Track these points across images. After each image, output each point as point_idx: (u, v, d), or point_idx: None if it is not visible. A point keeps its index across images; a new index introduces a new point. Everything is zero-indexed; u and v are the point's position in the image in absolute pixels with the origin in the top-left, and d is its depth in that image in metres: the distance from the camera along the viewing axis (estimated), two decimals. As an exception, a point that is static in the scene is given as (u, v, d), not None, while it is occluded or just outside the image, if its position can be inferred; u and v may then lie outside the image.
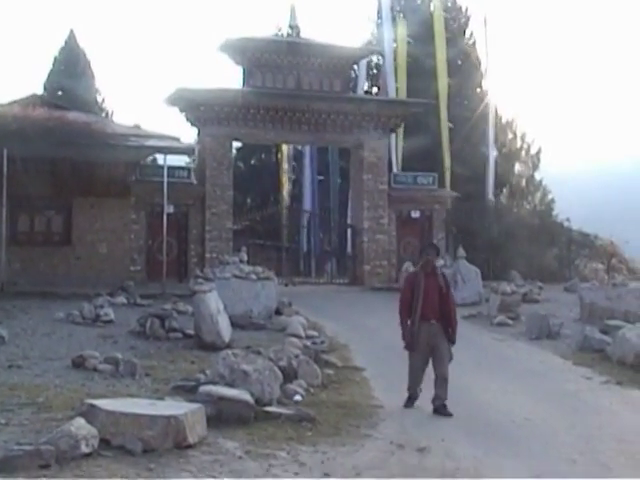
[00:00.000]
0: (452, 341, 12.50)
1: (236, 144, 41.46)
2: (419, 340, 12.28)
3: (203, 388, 10.87)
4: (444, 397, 12.11)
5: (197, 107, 32.00)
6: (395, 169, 37.15)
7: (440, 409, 12.01)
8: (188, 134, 39.82)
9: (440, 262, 29.19)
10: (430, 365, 12.52)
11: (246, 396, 10.63)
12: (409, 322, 12.38)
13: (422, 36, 40.66)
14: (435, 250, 13.21)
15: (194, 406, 9.51)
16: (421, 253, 13.29)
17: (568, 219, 39.02)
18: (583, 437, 10.98)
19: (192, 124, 33.04)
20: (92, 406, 8.95)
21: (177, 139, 29.28)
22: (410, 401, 12.47)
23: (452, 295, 12.98)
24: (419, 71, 39.62)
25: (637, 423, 12.00)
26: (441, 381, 12.20)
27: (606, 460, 9.76)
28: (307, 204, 42.23)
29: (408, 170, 36.96)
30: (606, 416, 12.48)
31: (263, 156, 49.80)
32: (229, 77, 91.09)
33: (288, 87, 33.39)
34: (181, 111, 32.72)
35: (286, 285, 30.27)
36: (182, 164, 36.01)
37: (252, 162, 50.19)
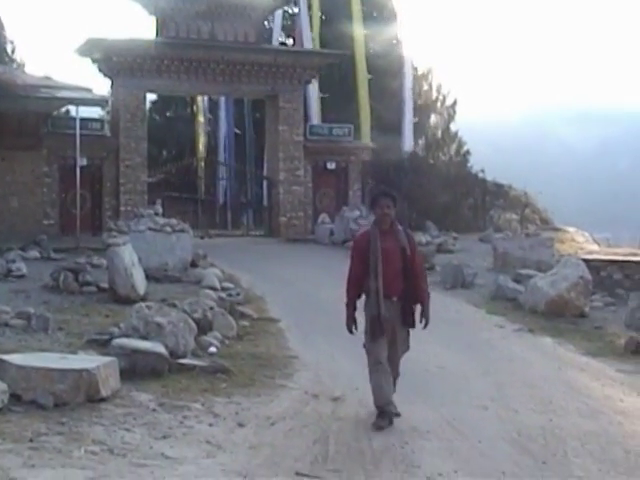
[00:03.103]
0: (425, 321, 9.29)
1: (151, 96, 41.02)
2: (384, 326, 8.99)
3: (116, 341, 10.80)
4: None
5: (109, 58, 31.44)
6: (314, 120, 37.07)
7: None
8: (102, 86, 39.23)
9: (356, 213, 29.40)
10: None
11: (160, 348, 10.59)
12: (369, 303, 9.05)
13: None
14: (392, 199, 9.24)
15: (107, 359, 9.46)
16: (372, 204, 9.36)
17: (483, 170, 39.39)
18: (495, 384, 11.17)
19: (105, 75, 32.48)
20: (2, 361, 8.84)
21: (89, 90, 28.77)
22: (382, 417, 8.87)
23: (420, 258, 9.73)
24: (334, 22, 39.49)
25: (547, 369, 12.24)
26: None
27: (516, 406, 9.93)
28: (223, 156, 42.00)
29: (326, 122, 36.97)
30: (518, 363, 12.71)
31: (178, 108, 49.32)
32: (143, 27, 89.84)
33: (202, 38, 32.95)
34: (93, 62, 32.14)
35: (202, 237, 30.13)
36: (95, 116, 35.50)
37: (167, 114, 49.67)
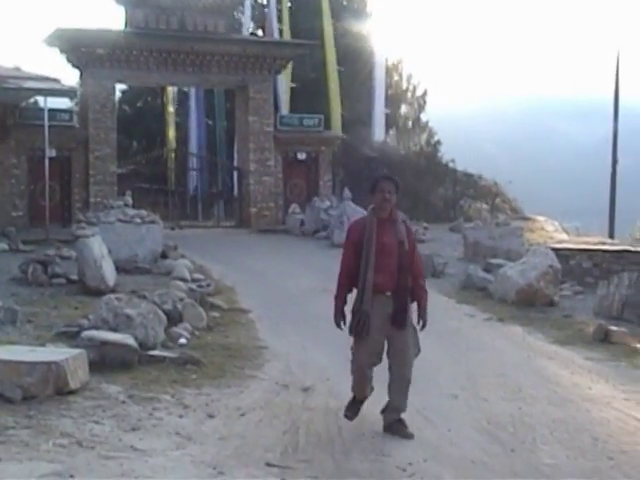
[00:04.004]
0: (422, 323, 8.69)
1: (122, 87, 40.75)
2: (372, 322, 8.25)
3: (85, 333, 10.74)
4: (401, 408, 8.44)
5: (78, 48, 31.20)
6: (283, 111, 37.00)
7: (394, 427, 8.37)
8: (70, 76, 38.94)
9: (326, 203, 29.39)
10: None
11: (129, 340, 10.54)
12: (355, 296, 8.43)
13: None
14: (394, 184, 8.60)
15: (75, 351, 9.40)
16: (372, 189, 8.58)
17: (453, 160, 39.53)
18: (465, 373, 11.22)
19: (73, 66, 32.26)
20: (-31, 354, 8.77)
21: (58, 81, 28.53)
22: (354, 405, 8.63)
23: (419, 253, 9.02)
24: (304, 13, 39.42)
25: (517, 358, 12.31)
26: (399, 384, 8.41)
27: (486, 394, 9.99)
28: (193, 147, 41.84)
29: (296, 112, 36.90)
30: (488, 352, 12.77)
31: (149, 99, 49.06)
32: (112, 17, 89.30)
33: (172, 28, 32.77)
34: (62, 52, 31.88)
35: (172, 229, 30.00)
36: (64, 107, 35.22)
37: (138, 105, 49.40)
